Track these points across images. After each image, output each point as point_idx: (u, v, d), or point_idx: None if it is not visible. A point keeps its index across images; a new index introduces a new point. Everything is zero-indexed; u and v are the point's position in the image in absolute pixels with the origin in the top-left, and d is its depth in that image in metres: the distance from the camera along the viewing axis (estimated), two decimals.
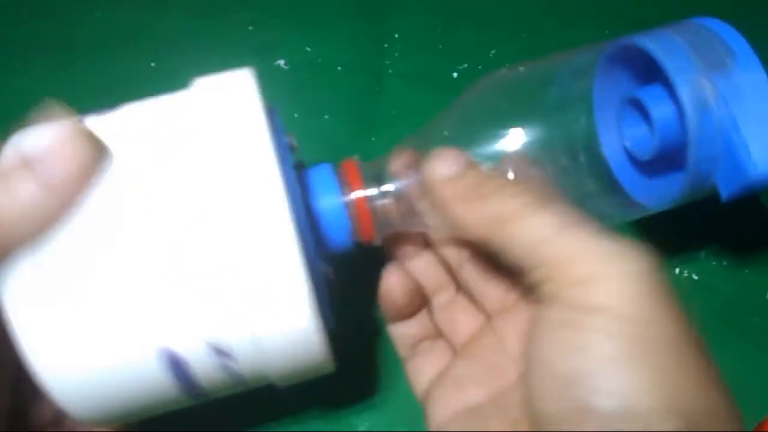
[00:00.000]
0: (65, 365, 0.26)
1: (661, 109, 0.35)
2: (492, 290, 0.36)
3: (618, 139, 0.38)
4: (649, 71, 0.35)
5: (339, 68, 0.55)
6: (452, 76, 0.55)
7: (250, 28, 0.57)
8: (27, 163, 0.26)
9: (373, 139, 0.52)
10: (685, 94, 0.33)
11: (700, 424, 0.24)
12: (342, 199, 0.33)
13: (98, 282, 0.26)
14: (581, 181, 0.37)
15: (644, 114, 0.35)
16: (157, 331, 0.27)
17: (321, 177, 0.33)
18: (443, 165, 0.31)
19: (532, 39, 0.57)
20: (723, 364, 0.42)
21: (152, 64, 0.55)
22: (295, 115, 0.53)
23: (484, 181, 0.30)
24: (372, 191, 0.34)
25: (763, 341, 0.44)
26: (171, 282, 0.26)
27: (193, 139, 0.28)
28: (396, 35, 0.57)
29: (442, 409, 0.35)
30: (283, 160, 0.28)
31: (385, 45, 0.57)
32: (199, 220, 0.27)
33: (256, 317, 0.27)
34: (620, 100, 0.37)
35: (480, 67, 0.55)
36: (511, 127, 0.35)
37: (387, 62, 0.56)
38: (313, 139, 0.51)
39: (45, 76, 0.54)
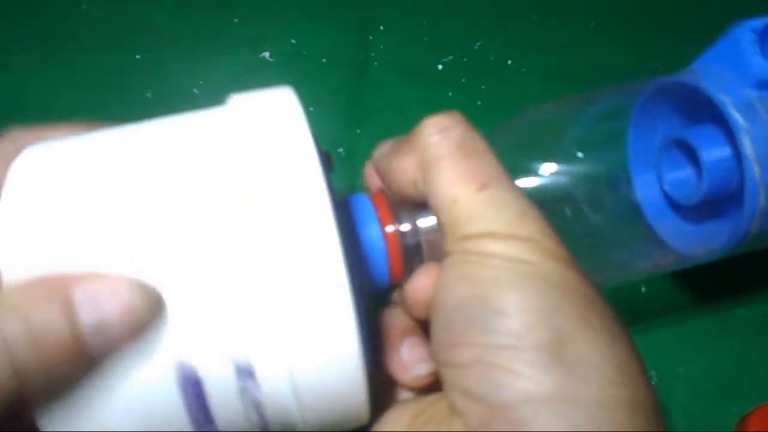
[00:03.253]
0: None
1: (712, 152, 0.32)
2: None
3: (655, 182, 0.35)
4: (697, 110, 0.33)
5: (324, 60, 0.55)
6: (437, 69, 0.55)
7: (235, 20, 0.57)
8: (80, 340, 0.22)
9: (358, 131, 0.52)
10: (744, 137, 0.30)
11: (575, 341, 0.25)
12: (382, 232, 0.30)
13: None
14: (609, 226, 0.34)
15: (690, 156, 0.33)
16: (180, 342, 0.24)
17: (359, 207, 0.31)
18: (380, 148, 0.32)
19: (518, 31, 0.57)
20: (710, 357, 0.43)
21: (137, 57, 0.55)
22: None
23: (409, 138, 0.30)
24: (405, 226, 0.30)
25: (750, 333, 0.45)
26: (207, 296, 0.24)
27: (238, 160, 0.26)
28: (381, 27, 0.57)
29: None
30: (329, 186, 0.26)
31: (371, 37, 0.57)
32: (249, 240, 0.24)
33: (294, 344, 0.24)
34: (661, 142, 0.35)
35: (465, 59, 0.55)
36: (533, 166, 0.33)
37: (372, 54, 0.56)
38: None
39: (33, 70, 0.54)
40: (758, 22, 0.32)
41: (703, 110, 0.32)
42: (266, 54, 0.55)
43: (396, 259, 0.30)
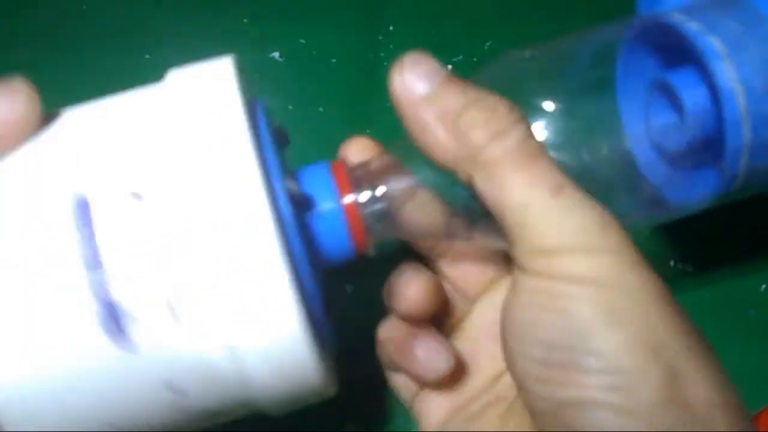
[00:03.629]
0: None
1: (693, 94, 0.30)
2: (468, 272, 0.35)
3: (645, 129, 0.33)
4: (682, 52, 0.31)
5: (333, 60, 0.55)
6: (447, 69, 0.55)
7: (245, 20, 0.57)
8: None
9: (368, 131, 0.52)
10: (721, 76, 0.29)
11: (685, 375, 0.24)
12: (338, 203, 0.30)
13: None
14: (605, 176, 0.32)
15: (675, 100, 0.31)
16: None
17: (315, 179, 0.30)
18: (415, 78, 0.27)
19: (528, 31, 0.57)
20: (719, 358, 0.43)
21: (147, 57, 0.55)
22: (290, 107, 0.53)
23: (467, 106, 0.27)
24: (364, 195, 0.30)
25: (759, 334, 0.44)
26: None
27: (167, 137, 0.26)
28: (391, 27, 0.57)
29: (434, 410, 0.34)
30: (266, 158, 0.26)
31: (380, 37, 0.56)
32: (175, 219, 0.24)
33: (235, 326, 0.24)
34: (647, 86, 0.33)
35: (475, 59, 0.55)
36: (534, 103, 0.31)
37: (382, 54, 0.56)
38: (307, 131, 0.51)
39: (33, 70, 0.54)
40: None
41: (689, 50, 0.30)
42: (276, 54, 0.55)
43: (358, 230, 0.30)
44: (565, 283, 0.25)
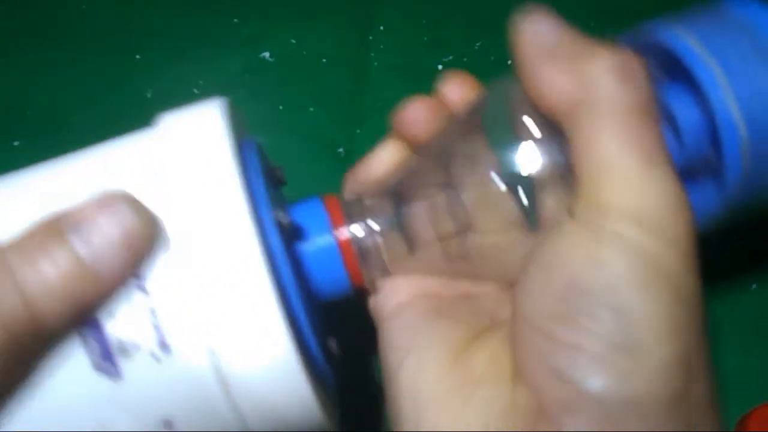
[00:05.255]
0: None
1: (688, 114, 0.30)
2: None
3: None
4: (673, 68, 0.30)
5: (324, 60, 0.55)
6: (437, 69, 0.55)
7: (235, 20, 0.57)
8: (61, 233, 0.23)
9: (358, 131, 0.52)
10: (717, 98, 0.28)
11: (696, 372, 0.25)
12: (333, 238, 0.30)
13: None
14: None
15: (670, 119, 0.30)
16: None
17: (309, 214, 0.30)
18: (545, 28, 0.27)
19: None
20: (717, 355, 0.43)
21: (137, 57, 0.55)
22: (280, 108, 0.53)
23: (595, 54, 0.26)
24: (357, 230, 0.30)
25: (750, 333, 0.44)
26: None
27: (162, 183, 0.26)
28: (381, 27, 0.57)
29: (397, 293, 0.32)
30: (258, 198, 0.26)
31: (370, 37, 0.56)
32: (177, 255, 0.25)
33: (224, 353, 0.24)
34: None
35: (465, 59, 0.55)
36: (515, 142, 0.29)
37: (372, 54, 0.56)
38: (298, 132, 0.51)
39: (33, 70, 0.54)
40: None
41: (680, 67, 0.29)
42: (266, 54, 0.55)
43: (352, 264, 0.30)
44: (613, 240, 0.24)
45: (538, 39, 0.27)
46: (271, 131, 0.51)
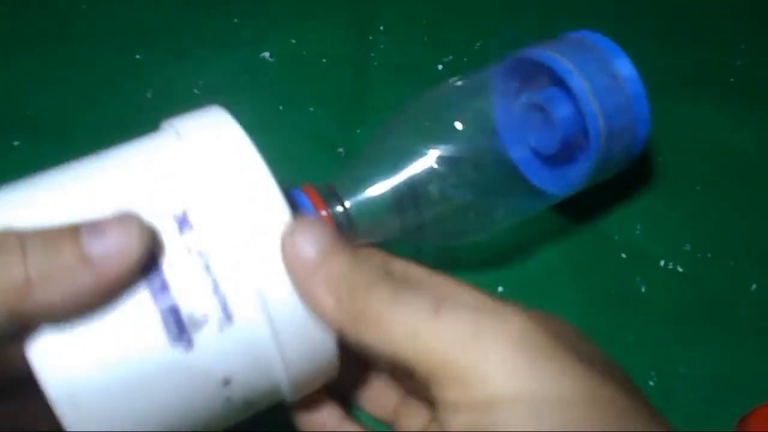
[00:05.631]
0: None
1: (560, 107, 0.41)
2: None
3: (523, 140, 0.43)
4: (548, 80, 0.42)
5: (324, 60, 0.55)
6: (437, 68, 0.55)
7: (236, 20, 0.57)
8: (88, 261, 0.25)
9: (358, 131, 0.52)
10: (581, 92, 0.40)
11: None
12: (318, 215, 0.36)
13: None
14: (491, 185, 0.42)
15: (545, 115, 0.42)
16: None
17: (297, 198, 0.37)
18: (306, 242, 0.27)
19: (517, 32, 0.57)
20: (710, 357, 0.43)
21: (137, 57, 0.55)
22: (281, 108, 0.53)
23: (351, 269, 0.27)
24: (337, 209, 0.38)
25: (749, 333, 0.45)
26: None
27: (197, 180, 0.28)
28: (381, 27, 0.57)
29: None
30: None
31: (370, 37, 0.57)
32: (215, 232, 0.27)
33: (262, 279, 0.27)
34: (521, 106, 0.43)
35: (465, 59, 0.55)
36: (424, 149, 0.41)
37: (372, 54, 0.56)
38: (298, 132, 0.51)
39: (33, 70, 0.54)
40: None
41: (546, 76, 0.42)
42: (266, 54, 0.55)
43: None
44: (489, 411, 0.24)
45: (302, 253, 0.28)
46: (271, 131, 0.51)
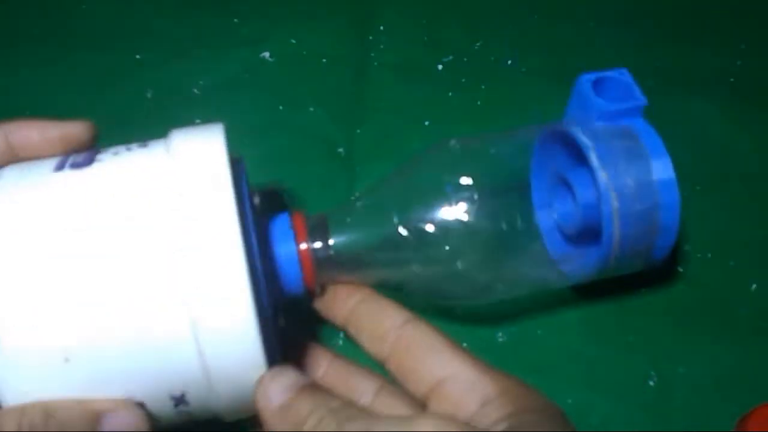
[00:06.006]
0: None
1: (585, 192, 0.38)
2: None
3: (550, 212, 0.41)
4: (580, 155, 0.38)
5: (324, 60, 0.55)
6: (437, 69, 0.55)
7: (235, 20, 0.57)
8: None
9: (358, 131, 0.52)
10: (603, 189, 0.36)
11: None
12: (295, 248, 0.36)
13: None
14: (516, 243, 0.39)
15: (572, 193, 0.39)
16: None
17: (279, 227, 0.36)
18: (275, 389, 0.30)
19: (518, 31, 0.57)
20: (710, 357, 0.43)
21: (137, 57, 0.55)
22: (280, 108, 0.52)
23: (310, 414, 0.29)
24: (316, 244, 0.36)
25: (749, 333, 0.44)
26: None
27: (165, 194, 0.30)
28: (381, 27, 0.57)
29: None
30: (242, 210, 0.31)
31: (370, 37, 0.57)
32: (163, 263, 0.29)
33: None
34: (554, 178, 0.41)
35: (465, 59, 0.55)
36: (459, 195, 0.37)
37: (372, 54, 0.56)
38: (297, 131, 0.51)
39: (33, 70, 0.54)
40: (591, 76, 0.39)
41: (580, 152, 0.38)
42: (266, 54, 0.55)
43: (308, 270, 0.36)
44: None
45: (271, 399, 0.30)
46: (271, 131, 0.51)
